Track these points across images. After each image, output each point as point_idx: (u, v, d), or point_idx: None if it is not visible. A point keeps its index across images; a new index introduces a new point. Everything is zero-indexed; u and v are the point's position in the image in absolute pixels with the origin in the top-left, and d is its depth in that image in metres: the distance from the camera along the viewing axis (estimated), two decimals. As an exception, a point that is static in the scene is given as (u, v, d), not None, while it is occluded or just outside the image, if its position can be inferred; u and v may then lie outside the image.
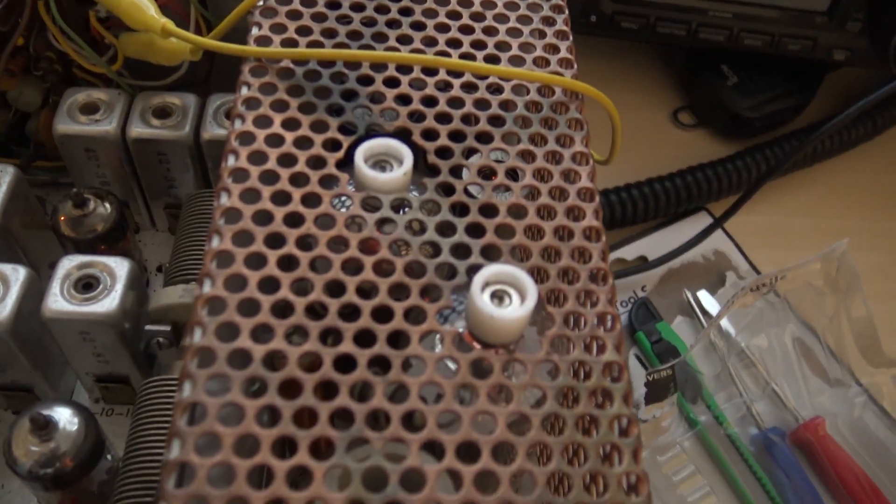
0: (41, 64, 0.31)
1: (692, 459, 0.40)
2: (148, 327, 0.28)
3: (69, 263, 0.27)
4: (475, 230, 0.22)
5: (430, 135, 0.24)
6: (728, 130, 0.53)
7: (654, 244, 0.47)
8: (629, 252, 0.47)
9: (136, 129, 0.31)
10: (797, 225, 0.49)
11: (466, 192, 0.23)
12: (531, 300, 0.20)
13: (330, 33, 0.26)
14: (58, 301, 0.26)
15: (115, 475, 0.26)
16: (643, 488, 0.18)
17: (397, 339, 0.20)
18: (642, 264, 0.46)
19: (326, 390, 0.19)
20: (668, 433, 0.41)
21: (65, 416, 0.24)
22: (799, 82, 0.52)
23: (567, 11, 0.28)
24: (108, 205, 0.29)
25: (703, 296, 0.45)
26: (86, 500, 0.25)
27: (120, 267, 0.27)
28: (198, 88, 0.33)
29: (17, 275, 0.26)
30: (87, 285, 0.26)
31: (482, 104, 0.25)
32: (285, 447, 0.18)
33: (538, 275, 0.21)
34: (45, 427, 0.23)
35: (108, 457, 0.26)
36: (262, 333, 0.19)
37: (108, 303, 0.26)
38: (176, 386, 0.26)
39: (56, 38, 0.30)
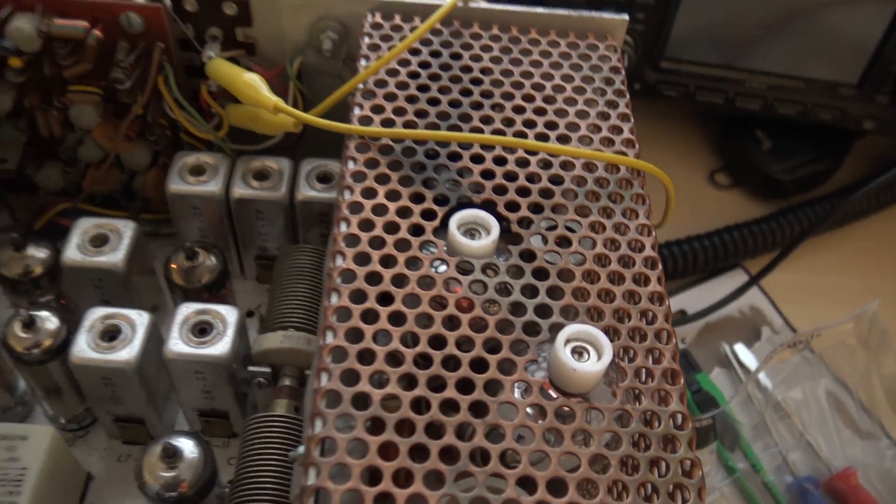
0: (155, 130, 0.35)
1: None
2: (250, 368, 0.31)
3: (187, 311, 0.30)
4: (555, 293, 0.25)
5: (512, 206, 0.27)
6: (762, 192, 0.56)
7: (692, 299, 0.50)
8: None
9: (239, 190, 0.34)
10: (829, 283, 0.51)
11: (546, 258, 0.26)
12: (607, 356, 0.23)
13: (422, 114, 0.30)
14: (178, 344, 0.29)
15: (222, 501, 0.29)
16: (707, 522, 0.21)
17: (490, 387, 0.23)
18: (682, 317, 0.49)
19: (435, 430, 0.22)
20: (708, 479, 0.44)
21: (188, 447, 0.27)
22: (829, 148, 0.55)
23: (628, 96, 0.31)
24: (213, 258, 0.33)
25: (740, 349, 0.48)
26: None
27: (230, 314, 0.30)
28: (288, 152, 0.37)
29: (143, 319, 0.30)
30: (202, 330, 0.30)
31: (556, 180, 0.28)
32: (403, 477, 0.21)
33: (611, 333, 0.24)
34: (174, 455, 0.27)
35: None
36: (378, 379, 0.22)
37: (222, 346, 0.29)
38: (278, 421, 0.29)
39: (171, 108, 0.34)
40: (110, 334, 0.29)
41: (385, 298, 0.24)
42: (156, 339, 0.30)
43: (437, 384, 0.23)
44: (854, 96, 0.51)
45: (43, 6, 0.31)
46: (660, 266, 0.26)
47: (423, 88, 0.30)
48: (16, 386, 0.33)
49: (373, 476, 0.21)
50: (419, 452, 0.21)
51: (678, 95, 0.53)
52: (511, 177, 0.28)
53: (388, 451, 0.21)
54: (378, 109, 0.29)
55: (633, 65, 0.51)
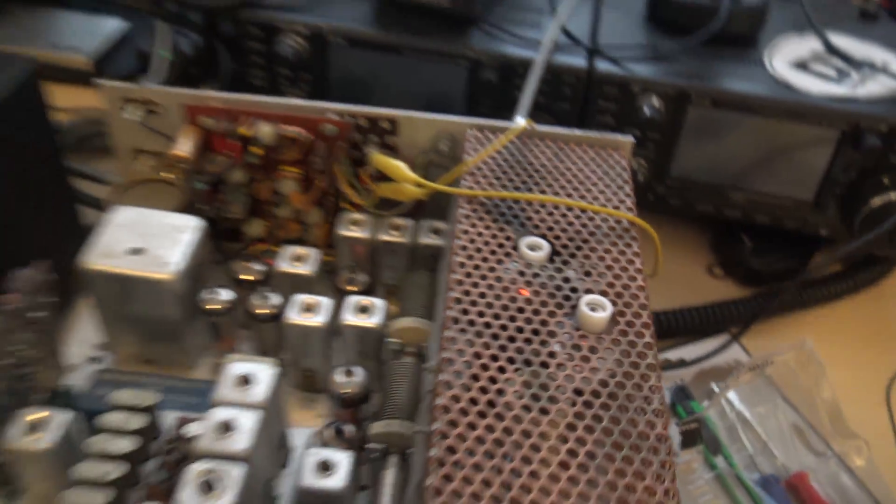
0: (329, 198, 0.55)
1: (712, 491, 0.57)
2: (387, 340, 0.49)
3: (353, 300, 0.49)
4: (580, 281, 0.43)
5: (557, 237, 0.46)
6: (747, 281, 0.73)
7: (691, 351, 0.67)
8: (672, 355, 0.67)
9: (382, 237, 0.54)
10: (796, 347, 0.68)
11: (575, 264, 0.44)
12: (609, 311, 0.41)
13: (503, 185, 0.49)
14: (349, 318, 0.48)
15: (369, 417, 0.47)
16: (659, 386, 0.38)
17: (542, 323, 0.41)
18: (682, 363, 0.66)
19: (510, 339, 0.39)
20: (696, 473, 0.59)
21: (359, 372, 0.45)
22: (800, 248, 0.73)
23: (632, 182, 0.50)
24: (364, 275, 0.52)
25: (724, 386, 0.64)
26: (360, 420, 0.46)
27: (380, 303, 0.49)
28: (412, 214, 0.56)
29: (328, 303, 0.48)
30: (363, 310, 0.48)
31: (584, 224, 0.47)
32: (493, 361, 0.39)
33: (614, 302, 0.42)
34: (350, 374, 0.44)
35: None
36: (479, 313, 0.41)
37: (376, 319, 0.48)
38: (409, 362, 0.47)
39: (342, 184, 0.54)
40: (308, 308, 0.48)
41: (483, 278, 0.43)
42: (334, 315, 0.49)
43: (512, 320, 0.41)
44: (811, 209, 0.69)
45: (277, 118, 0.53)
46: (643, 274, 0.44)
47: (504, 172, 0.50)
48: (234, 350, 0.51)
49: (476, 356, 0.39)
50: (501, 349, 0.39)
51: (681, 205, 0.72)
52: (557, 221, 0.47)
53: (485, 345, 0.39)
54: (476, 182, 0.49)
55: (646, 181, 0.70)
